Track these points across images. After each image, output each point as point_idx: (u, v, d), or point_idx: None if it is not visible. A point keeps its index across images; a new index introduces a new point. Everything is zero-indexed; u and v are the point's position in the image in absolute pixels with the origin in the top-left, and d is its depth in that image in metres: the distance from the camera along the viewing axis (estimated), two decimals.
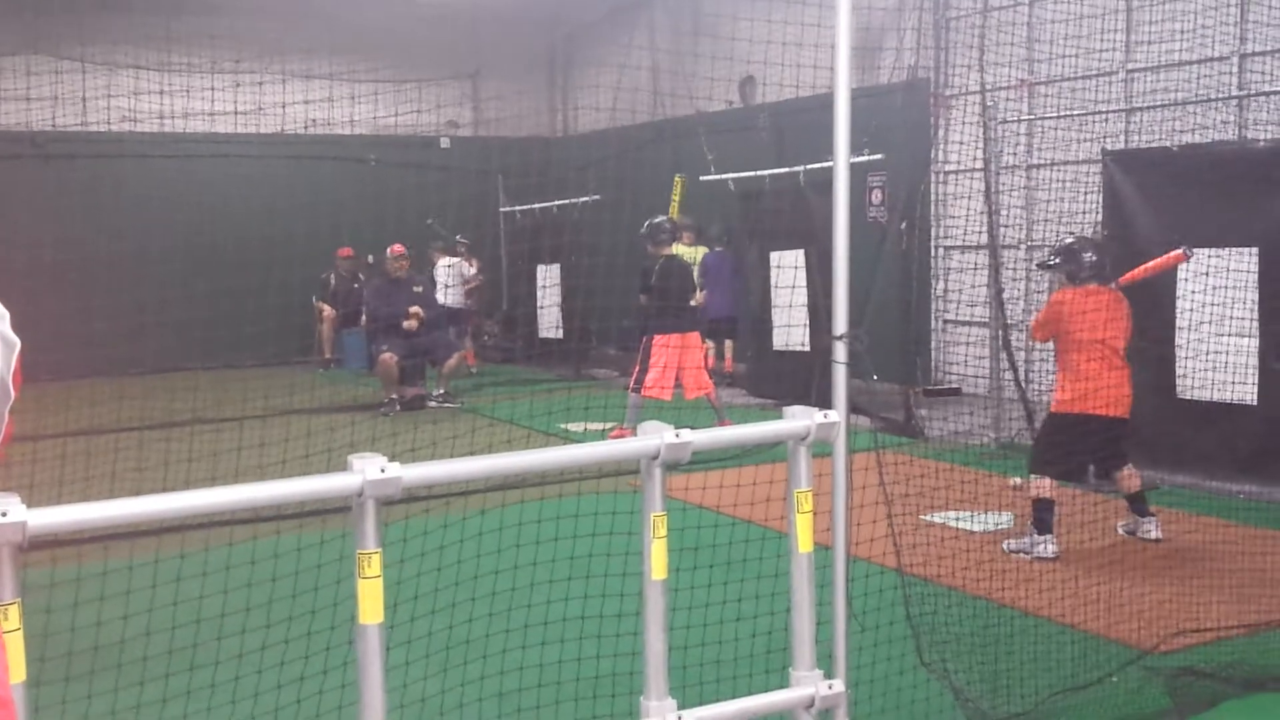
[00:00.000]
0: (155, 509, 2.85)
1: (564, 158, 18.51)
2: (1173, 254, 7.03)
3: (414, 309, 12.65)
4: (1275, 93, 8.91)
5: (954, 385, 12.05)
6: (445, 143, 18.37)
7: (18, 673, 2.54)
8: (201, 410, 10.57)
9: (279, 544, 5.34)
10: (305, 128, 14.65)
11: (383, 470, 2.87)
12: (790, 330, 11.69)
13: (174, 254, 14.94)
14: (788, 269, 11.62)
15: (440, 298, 14.80)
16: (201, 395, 11.31)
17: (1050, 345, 7.10)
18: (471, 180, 17.27)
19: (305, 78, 15.86)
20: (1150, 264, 7.06)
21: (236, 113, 14.44)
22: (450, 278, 15.54)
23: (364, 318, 14.17)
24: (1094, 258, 6.79)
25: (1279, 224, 7.81)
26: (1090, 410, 6.64)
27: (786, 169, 11.94)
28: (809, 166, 11.17)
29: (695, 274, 13.31)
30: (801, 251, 11.43)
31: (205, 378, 13.38)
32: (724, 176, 13.51)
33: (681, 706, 3.34)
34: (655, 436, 3.25)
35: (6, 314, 1.60)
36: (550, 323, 15.96)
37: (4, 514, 2.47)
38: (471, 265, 16.41)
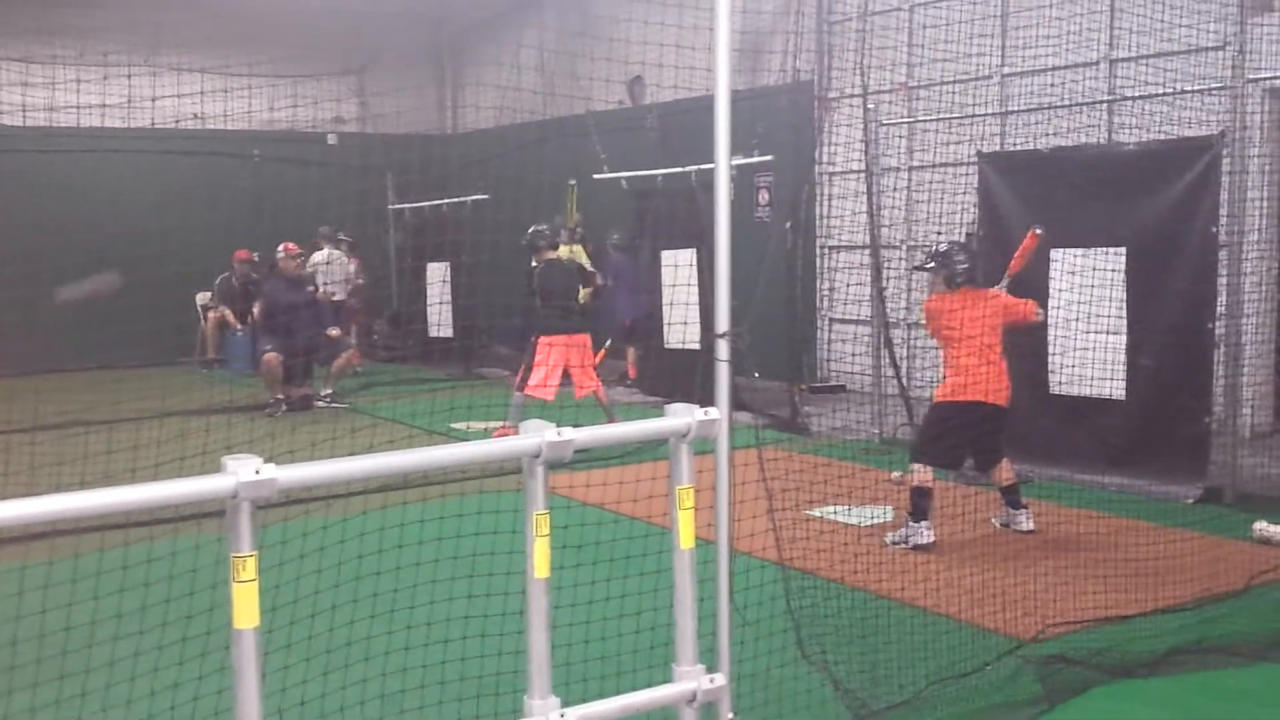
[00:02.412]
0: (22, 514, 2.75)
1: (453, 155, 18.37)
2: (1027, 238, 7.25)
3: (333, 330, 12.69)
4: (1143, 97, 9.23)
5: (838, 382, 12.27)
6: (332, 139, 18.09)
7: None
8: (75, 412, 10.23)
9: (152, 549, 5.21)
10: (177, 122, 14.28)
11: (257, 471, 2.82)
12: (681, 328, 11.79)
13: (45, 251, 14.44)
14: (679, 267, 11.72)
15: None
16: (74, 397, 10.95)
17: (933, 343, 7.31)
18: (359, 177, 17.05)
19: (185, 70, 15.46)
20: (1017, 254, 7.27)
21: (102, 106, 14.00)
22: (330, 273, 15.29)
23: (257, 314, 13.84)
24: (965, 263, 6.99)
25: (1146, 224, 8.08)
26: (969, 398, 6.83)
27: (679, 169, 12.01)
28: (701, 167, 11.26)
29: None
30: (693, 251, 11.52)
31: (78, 379, 12.98)
32: (617, 175, 13.52)
33: (565, 704, 3.34)
34: (536, 435, 3.25)
35: None
36: (440, 321, 15.82)
37: None
38: (352, 263, 16.18)
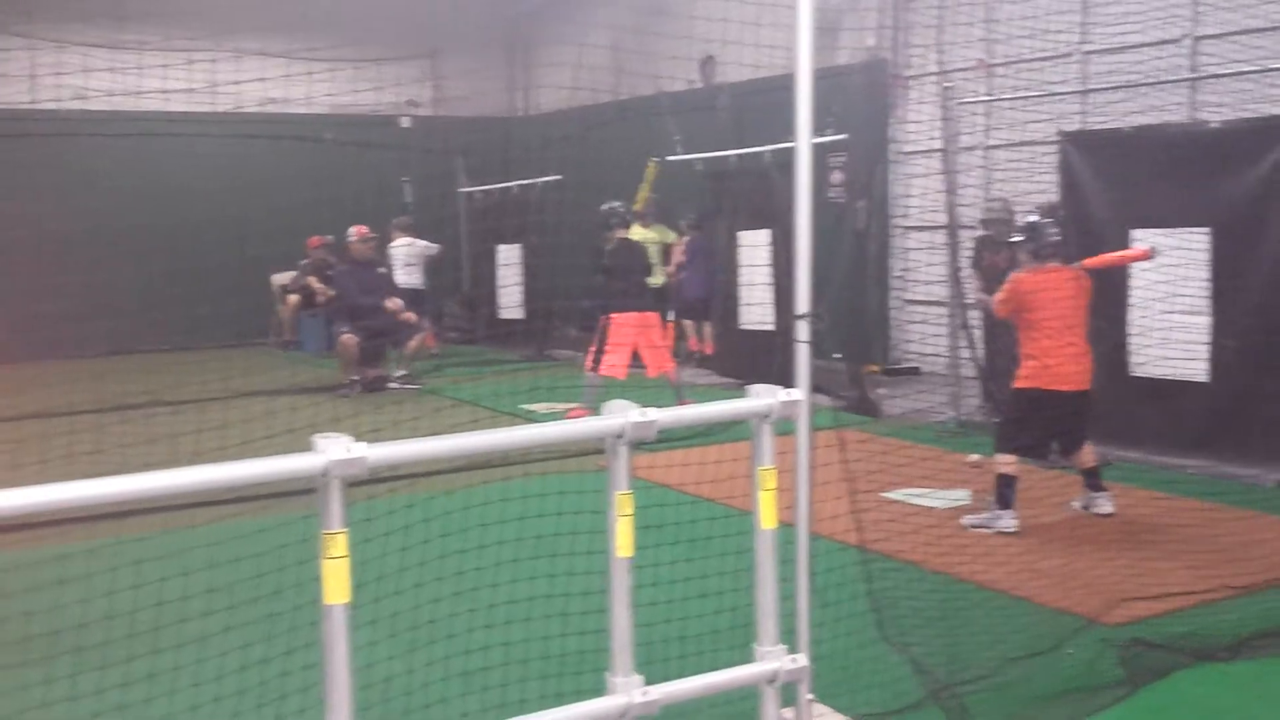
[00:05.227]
0: (115, 491, 2.81)
1: (525, 137, 18.42)
2: (1138, 250, 7.16)
3: (393, 301, 12.60)
4: (1226, 75, 9.03)
5: (913, 364, 12.17)
6: (405, 122, 18.23)
7: None
8: (159, 392, 10.47)
9: (242, 526, 5.32)
10: (240, 106, 14.46)
11: (348, 450, 2.87)
12: (757, 309, 11.77)
13: (127, 234, 14.74)
14: (755, 248, 11.69)
15: (400, 278, 14.72)
16: (158, 377, 11.21)
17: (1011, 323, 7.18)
18: (431, 160, 17.17)
19: (260, 55, 15.67)
20: (1116, 255, 7.18)
21: (179, 90, 14.24)
22: (409, 257, 15.40)
23: (331, 296, 14.00)
24: (1057, 236, 6.88)
25: (1230, 204, 7.92)
26: (1048, 386, 6.73)
27: (753, 149, 11.94)
28: (775, 147, 11.19)
29: (655, 254, 13.40)
30: (768, 231, 11.48)
31: (161, 359, 13.25)
32: (690, 157, 13.48)
33: (648, 682, 3.36)
34: (620, 415, 3.27)
35: None
36: (512, 303, 15.92)
37: None
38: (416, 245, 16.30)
